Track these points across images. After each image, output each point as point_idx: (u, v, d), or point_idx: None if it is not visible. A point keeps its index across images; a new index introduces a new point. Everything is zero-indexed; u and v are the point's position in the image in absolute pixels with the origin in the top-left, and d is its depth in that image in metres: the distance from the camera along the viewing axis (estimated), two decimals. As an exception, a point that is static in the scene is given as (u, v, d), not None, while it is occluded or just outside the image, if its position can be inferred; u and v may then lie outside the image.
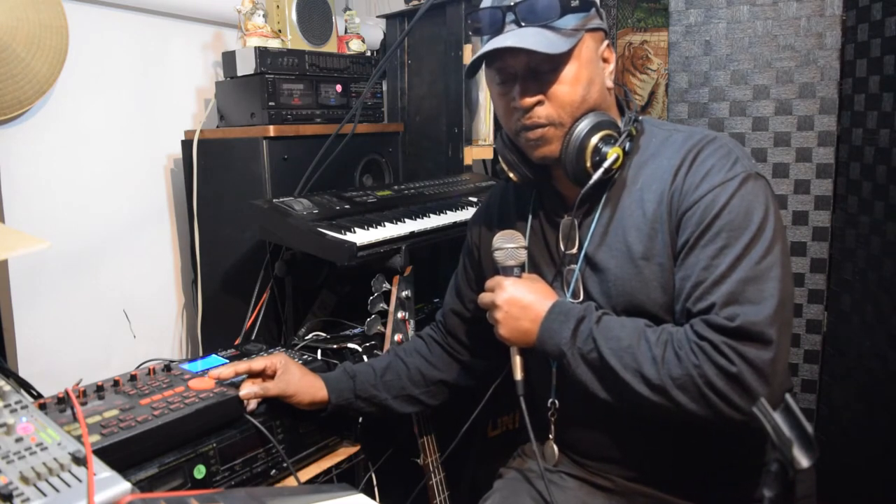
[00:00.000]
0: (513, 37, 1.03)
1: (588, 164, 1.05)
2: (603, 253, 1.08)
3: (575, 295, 1.11)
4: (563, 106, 1.05)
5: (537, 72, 1.05)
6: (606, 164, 1.03)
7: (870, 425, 1.61)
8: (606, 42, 1.09)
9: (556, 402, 1.17)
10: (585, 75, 1.05)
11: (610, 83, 1.10)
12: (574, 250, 1.11)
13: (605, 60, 1.10)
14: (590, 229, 1.10)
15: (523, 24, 1.04)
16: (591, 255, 1.09)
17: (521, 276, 1.10)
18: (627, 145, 1.07)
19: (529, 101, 1.05)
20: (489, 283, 1.11)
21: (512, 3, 1.04)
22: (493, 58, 1.07)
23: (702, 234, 0.98)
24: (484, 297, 1.11)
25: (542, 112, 1.06)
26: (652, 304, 1.03)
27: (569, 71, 1.04)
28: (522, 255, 1.10)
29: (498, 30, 1.06)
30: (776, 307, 0.92)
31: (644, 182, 1.06)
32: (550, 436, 1.20)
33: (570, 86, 1.04)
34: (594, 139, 1.04)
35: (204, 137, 1.88)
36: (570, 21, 1.03)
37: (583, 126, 1.05)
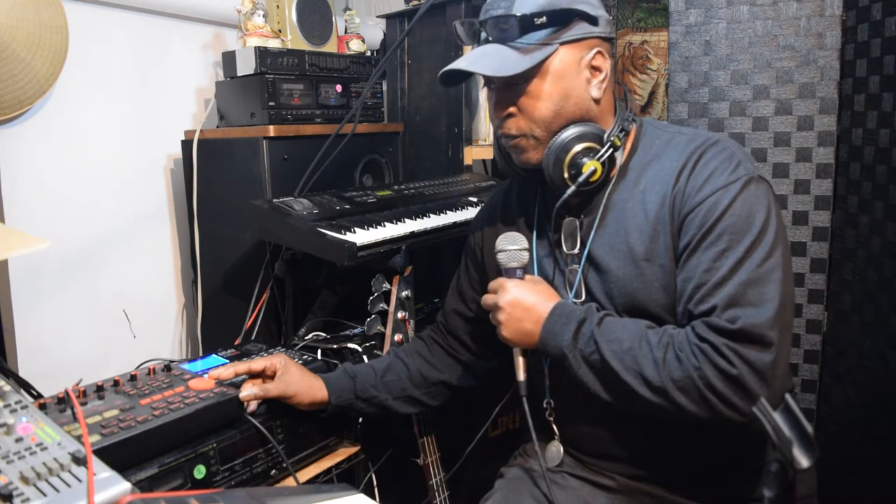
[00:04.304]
0: (470, 56, 1.07)
1: (566, 176, 1.06)
2: (605, 253, 1.08)
3: (577, 295, 1.11)
4: (533, 120, 1.07)
5: (510, 84, 1.06)
6: (582, 179, 1.04)
7: (870, 425, 1.61)
8: (595, 51, 1.06)
9: (552, 401, 1.18)
10: (557, 89, 1.05)
11: (598, 93, 1.08)
12: (576, 250, 1.11)
13: (596, 69, 1.07)
14: (592, 230, 1.10)
15: (491, 39, 1.06)
16: (593, 256, 1.10)
17: (524, 278, 1.10)
18: (616, 153, 1.07)
19: (501, 112, 1.09)
20: (492, 284, 1.11)
21: (484, 19, 1.06)
22: None
23: (704, 236, 0.98)
24: (487, 299, 1.11)
25: (513, 124, 1.08)
26: (654, 305, 1.03)
27: (536, 86, 1.05)
28: (525, 257, 1.10)
29: (478, 41, 1.09)
30: (777, 310, 0.92)
31: (647, 183, 1.07)
32: (556, 437, 1.20)
33: (538, 100, 1.05)
34: (571, 153, 1.05)
35: (204, 137, 1.88)
36: (535, 37, 1.03)
37: (561, 139, 1.06)
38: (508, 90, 1.07)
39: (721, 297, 0.94)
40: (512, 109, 1.08)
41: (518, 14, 1.02)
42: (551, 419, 1.19)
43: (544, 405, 1.19)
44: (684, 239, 1.01)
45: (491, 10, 1.06)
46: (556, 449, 1.21)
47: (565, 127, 1.06)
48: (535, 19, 1.02)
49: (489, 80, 1.10)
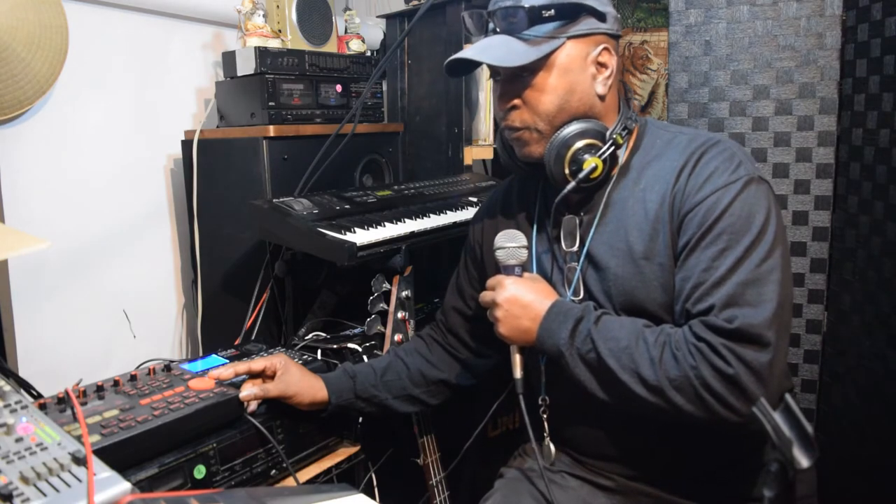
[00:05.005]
0: (478, 46, 1.07)
1: (566, 172, 1.06)
2: (604, 251, 1.08)
3: (576, 293, 1.11)
4: (537, 113, 1.07)
5: (516, 76, 1.07)
6: (582, 175, 1.05)
7: (870, 425, 1.61)
8: (602, 47, 1.06)
9: (547, 398, 1.18)
10: (562, 84, 1.05)
11: (602, 89, 1.08)
12: (575, 248, 1.12)
13: (602, 65, 1.08)
14: (592, 228, 1.10)
15: (498, 30, 1.06)
16: (592, 254, 1.10)
17: (523, 276, 1.10)
18: (619, 151, 1.08)
19: (506, 104, 1.09)
20: (490, 281, 1.11)
21: (493, 10, 1.06)
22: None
23: (703, 235, 0.98)
24: (485, 296, 1.11)
25: (517, 116, 1.08)
26: (652, 304, 1.03)
27: (542, 78, 1.05)
28: (524, 255, 1.10)
29: (485, 33, 1.09)
30: (775, 310, 0.92)
31: (647, 182, 1.07)
32: (545, 433, 1.20)
33: (543, 93, 1.05)
34: (573, 149, 1.05)
35: (204, 137, 1.88)
36: (542, 29, 1.04)
37: (564, 134, 1.06)
38: (514, 82, 1.07)
39: (719, 297, 0.94)
40: (516, 101, 1.08)
41: (527, 6, 1.02)
42: (545, 416, 1.19)
43: (539, 402, 1.19)
44: (683, 238, 1.01)
45: (499, 2, 1.06)
46: (547, 445, 1.20)
47: (568, 122, 1.06)
48: (544, 11, 1.02)
49: (495, 72, 1.10)
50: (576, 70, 1.06)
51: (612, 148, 1.06)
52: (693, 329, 0.95)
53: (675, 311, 1.01)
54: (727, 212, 0.97)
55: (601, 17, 1.06)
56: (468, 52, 1.07)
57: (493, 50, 1.05)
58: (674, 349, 0.95)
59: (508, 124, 1.10)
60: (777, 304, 0.93)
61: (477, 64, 1.09)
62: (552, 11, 1.02)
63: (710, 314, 0.94)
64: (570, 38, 1.04)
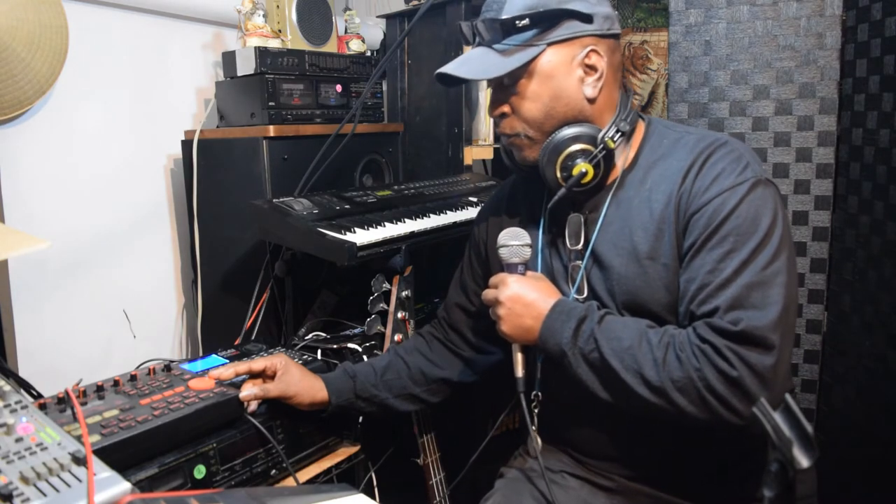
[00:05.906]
0: (458, 60, 1.09)
1: (559, 177, 1.07)
2: (609, 251, 1.08)
3: (579, 291, 1.11)
4: (525, 120, 1.08)
5: (502, 85, 1.08)
6: (572, 181, 1.05)
7: (870, 425, 1.61)
8: (589, 49, 1.05)
9: (540, 394, 1.17)
10: (546, 90, 1.06)
11: (592, 92, 1.07)
12: (580, 247, 1.12)
13: (590, 68, 1.06)
14: (596, 226, 1.10)
15: (481, 41, 1.08)
16: (597, 252, 1.10)
17: (526, 274, 1.10)
18: (616, 152, 1.08)
19: (495, 112, 1.11)
20: (493, 279, 1.12)
21: (477, 21, 1.08)
22: None
23: (709, 237, 0.98)
24: (487, 294, 1.11)
25: (507, 124, 1.10)
26: (655, 304, 1.03)
27: (524, 86, 1.06)
28: (527, 253, 1.10)
29: (474, 43, 1.12)
30: (780, 313, 0.92)
31: (653, 182, 1.07)
32: (533, 427, 1.17)
33: (527, 100, 1.07)
34: (563, 154, 1.06)
35: (204, 137, 1.88)
36: (518, 39, 1.04)
37: (556, 140, 1.06)
38: (502, 91, 1.09)
39: (724, 299, 0.94)
40: (505, 109, 1.09)
41: (501, 17, 1.03)
42: (536, 411, 1.18)
43: (532, 396, 1.18)
44: (689, 239, 1.00)
45: (484, 13, 1.08)
46: (533, 438, 1.17)
47: (560, 127, 1.07)
48: (517, 22, 1.02)
49: (489, 81, 1.11)
50: (560, 75, 1.05)
51: (604, 152, 1.06)
52: (697, 331, 0.95)
53: (679, 312, 1.01)
54: (733, 213, 0.97)
55: (586, 18, 1.04)
56: (449, 66, 1.08)
57: (470, 63, 1.07)
58: (677, 350, 0.95)
59: (501, 131, 1.12)
60: (782, 307, 0.92)
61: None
62: (526, 21, 1.02)
63: (715, 316, 0.94)
64: (550, 44, 1.04)
